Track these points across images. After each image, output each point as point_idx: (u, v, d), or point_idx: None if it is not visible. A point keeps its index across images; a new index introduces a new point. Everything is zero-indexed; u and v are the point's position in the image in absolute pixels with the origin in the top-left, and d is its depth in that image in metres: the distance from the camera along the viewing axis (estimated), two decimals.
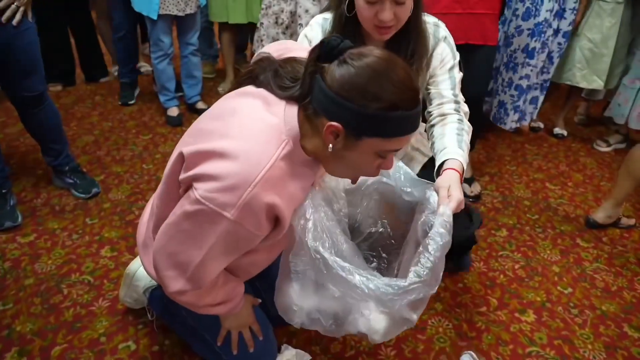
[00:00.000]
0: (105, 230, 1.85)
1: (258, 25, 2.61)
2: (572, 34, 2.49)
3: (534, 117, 2.70)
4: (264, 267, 1.15)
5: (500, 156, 2.62)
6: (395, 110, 0.81)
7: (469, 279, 1.72)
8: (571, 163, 2.60)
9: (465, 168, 1.14)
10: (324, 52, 0.83)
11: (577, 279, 1.76)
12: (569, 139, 2.86)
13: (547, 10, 2.26)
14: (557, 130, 2.89)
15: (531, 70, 2.39)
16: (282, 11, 2.49)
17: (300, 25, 2.46)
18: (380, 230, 1.23)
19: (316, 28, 1.29)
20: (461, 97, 1.29)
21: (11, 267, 1.65)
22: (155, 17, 2.40)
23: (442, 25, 1.29)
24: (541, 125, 2.95)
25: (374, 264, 1.23)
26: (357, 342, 1.44)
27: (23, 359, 1.33)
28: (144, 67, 3.39)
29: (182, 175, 0.88)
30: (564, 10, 2.36)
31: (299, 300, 1.03)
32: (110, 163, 2.32)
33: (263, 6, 2.56)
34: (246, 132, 0.85)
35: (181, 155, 0.88)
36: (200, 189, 0.83)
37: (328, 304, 1.02)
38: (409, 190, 1.13)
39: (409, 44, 1.21)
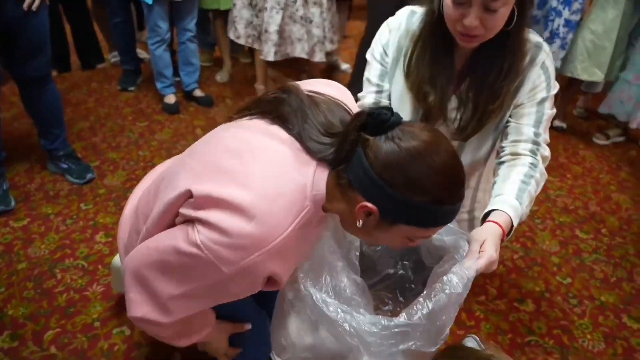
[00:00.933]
0: (100, 216, 1.83)
1: (231, 5, 2.57)
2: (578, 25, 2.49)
3: None
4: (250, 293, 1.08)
5: None
6: (439, 205, 0.74)
7: None
8: (570, 156, 2.59)
9: (515, 224, 0.98)
10: (371, 124, 0.74)
11: (577, 270, 1.75)
12: (568, 132, 2.85)
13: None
14: (556, 122, 2.87)
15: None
16: None
17: (265, 8, 2.41)
18: (401, 272, 1.15)
19: (400, 17, 1.15)
20: (544, 138, 1.09)
21: (4, 251, 1.62)
22: (150, 2, 2.36)
23: (545, 48, 1.08)
24: None
25: (388, 307, 1.14)
26: None
27: (15, 343, 1.31)
28: (140, 54, 3.35)
29: (186, 211, 0.78)
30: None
31: (294, 336, 0.95)
32: (106, 149, 2.28)
33: None
34: (270, 189, 0.75)
35: (189, 192, 0.78)
36: (203, 235, 0.74)
37: (324, 346, 0.92)
38: (439, 236, 0.99)
39: (503, 60, 1.03)
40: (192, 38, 2.65)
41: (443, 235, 0.98)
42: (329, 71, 3.30)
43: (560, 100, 2.92)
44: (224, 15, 2.91)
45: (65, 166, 2.02)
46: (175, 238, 0.77)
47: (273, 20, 2.42)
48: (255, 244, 0.73)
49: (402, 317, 0.81)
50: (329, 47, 2.64)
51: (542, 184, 1.08)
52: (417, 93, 1.11)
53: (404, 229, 0.78)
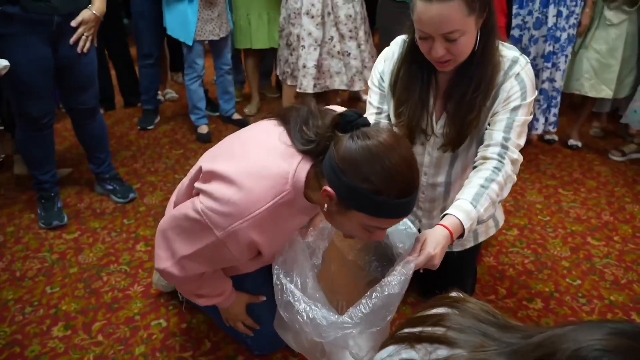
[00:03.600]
0: (141, 229, 2.03)
1: (264, 45, 2.88)
2: (576, 44, 2.62)
3: (552, 128, 2.79)
4: (260, 266, 1.28)
5: None
6: (380, 195, 0.88)
7: (479, 271, 1.78)
8: (585, 171, 2.65)
9: (468, 227, 1.07)
10: (341, 124, 0.92)
11: (587, 273, 1.81)
12: (583, 150, 2.91)
13: (553, 16, 2.44)
14: (571, 141, 2.95)
15: (550, 73, 2.54)
16: (291, 34, 2.70)
17: (303, 47, 2.64)
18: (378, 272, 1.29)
19: (393, 47, 1.30)
20: (514, 142, 1.17)
21: (58, 259, 1.84)
22: (190, 43, 2.65)
23: (522, 62, 1.18)
24: (556, 137, 3.02)
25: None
26: None
27: (68, 332, 1.49)
28: (170, 93, 3.64)
29: (197, 184, 1.05)
30: (570, 14, 2.50)
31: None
32: (146, 174, 2.53)
33: (279, 29, 2.81)
34: (257, 170, 0.97)
35: (201, 169, 1.05)
36: (202, 204, 0.99)
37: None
38: (400, 245, 1.13)
39: (473, 77, 1.15)
40: (229, 70, 2.95)
41: (406, 242, 1.11)
42: (351, 103, 3.52)
43: (575, 119, 3.01)
44: (254, 54, 3.20)
45: (110, 187, 2.26)
46: (187, 207, 1.02)
47: (311, 57, 2.66)
48: (239, 212, 0.95)
49: (347, 316, 0.97)
50: (367, 75, 2.86)
51: (508, 185, 1.16)
52: (395, 112, 1.27)
53: (357, 216, 0.92)
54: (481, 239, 1.46)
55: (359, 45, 2.74)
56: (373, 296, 0.97)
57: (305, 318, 0.99)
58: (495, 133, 1.17)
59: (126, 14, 3.40)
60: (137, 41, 2.95)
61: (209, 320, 1.51)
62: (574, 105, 3.09)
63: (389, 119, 1.34)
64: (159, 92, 3.26)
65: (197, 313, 1.55)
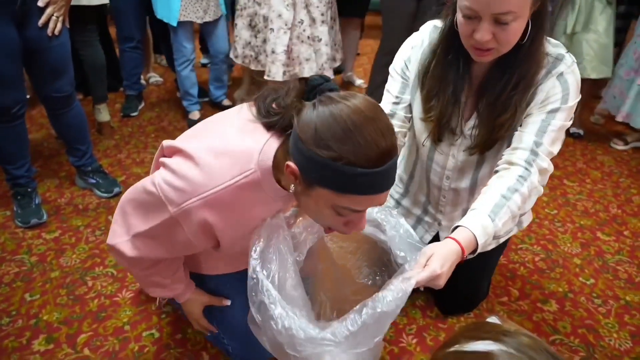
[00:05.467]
0: None
1: (234, 25, 2.64)
2: (575, 26, 2.57)
3: None
4: (227, 271, 1.18)
5: None
6: (346, 164, 0.74)
7: None
8: (588, 161, 2.59)
9: (482, 243, 0.94)
10: (306, 91, 0.82)
11: (600, 271, 1.74)
12: (585, 138, 2.84)
13: None
14: (573, 129, 2.88)
15: None
16: (256, 14, 2.51)
17: (272, 30, 2.45)
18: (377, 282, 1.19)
19: (423, 33, 1.17)
20: (545, 149, 1.03)
21: (37, 261, 1.69)
22: (175, 24, 2.47)
23: (568, 61, 1.05)
24: None
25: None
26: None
27: (50, 346, 1.36)
28: (153, 77, 3.45)
29: (161, 159, 0.95)
30: None
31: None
32: (131, 165, 2.37)
33: (238, 7, 2.58)
34: (219, 147, 0.87)
35: (162, 145, 0.98)
36: (160, 176, 0.89)
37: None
38: (402, 254, 1.02)
39: (514, 73, 1.02)
40: (224, 59, 2.77)
41: (407, 252, 0.99)
42: (344, 87, 3.38)
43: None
44: None
45: (93, 181, 2.10)
46: (146, 180, 0.93)
47: (280, 42, 2.46)
48: (194, 189, 0.85)
49: (329, 332, 0.84)
50: (336, 64, 2.71)
51: (532, 198, 1.03)
52: (424, 107, 1.14)
53: (322, 194, 0.79)
54: (502, 239, 1.36)
55: (329, 31, 2.56)
56: (363, 312, 0.85)
57: (279, 326, 0.86)
58: (526, 136, 1.03)
59: None
60: (117, 23, 2.74)
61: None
62: None
63: (409, 111, 1.21)
64: (142, 77, 3.06)
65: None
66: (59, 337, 1.39)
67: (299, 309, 0.91)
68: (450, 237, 0.93)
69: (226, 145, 0.87)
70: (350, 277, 1.21)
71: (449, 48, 1.06)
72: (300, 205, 0.91)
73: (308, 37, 2.52)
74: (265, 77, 2.60)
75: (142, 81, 3.17)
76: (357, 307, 0.86)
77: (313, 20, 2.50)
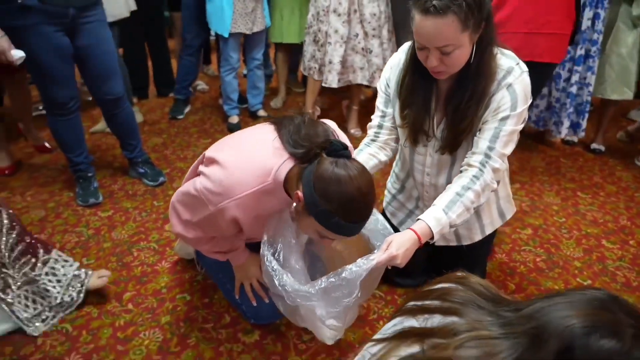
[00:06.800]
0: None
1: (296, 40, 2.96)
2: (602, 52, 2.64)
3: (580, 133, 2.81)
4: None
5: (533, 167, 2.72)
6: (334, 215, 1.07)
7: (490, 267, 1.84)
8: (606, 176, 2.65)
9: (437, 231, 1.18)
10: (328, 149, 1.11)
11: (598, 274, 1.84)
12: (606, 155, 2.89)
13: (588, 19, 2.48)
14: (594, 145, 2.94)
15: (581, 77, 2.61)
16: (319, 30, 2.79)
17: (329, 43, 2.73)
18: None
19: (400, 54, 1.37)
20: (497, 152, 1.22)
21: (93, 234, 1.98)
22: (227, 35, 2.77)
23: (517, 72, 1.21)
24: (575, 139, 3.01)
25: None
26: (380, 308, 1.62)
27: (102, 300, 1.62)
28: (200, 85, 3.78)
29: (200, 167, 1.27)
30: (599, 16, 2.51)
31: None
32: (175, 160, 2.66)
33: (306, 25, 2.90)
34: (249, 160, 1.19)
35: (204, 155, 1.29)
36: (200, 183, 1.20)
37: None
38: (378, 244, 1.29)
39: (469, 86, 1.21)
40: (260, 66, 3.06)
41: (382, 242, 1.23)
42: (369, 99, 3.58)
43: (599, 123, 2.99)
44: (285, 48, 3.30)
45: (142, 171, 2.39)
46: (189, 186, 1.28)
47: (337, 53, 2.76)
48: (227, 193, 1.16)
49: (308, 287, 1.16)
50: None
51: (486, 192, 1.24)
52: (401, 115, 1.36)
53: (314, 222, 1.12)
54: (488, 231, 1.51)
55: (381, 44, 2.81)
56: (331, 275, 1.15)
57: (278, 284, 1.17)
58: (481, 142, 1.24)
59: (169, 6, 3.52)
60: (183, 31, 3.08)
61: (228, 299, 1.62)
62: (597, 109, 3.08)
63: (392, 122, 1.43)
64: (191, 87, 3.39)
65: (218, 290, 1.66)
66: (108, 294, 1.65)
67: (297, 276, 1.21)
68: (409, 228, 1.19)
69: (253, 161, 1.18)
70: (345, 264, 1.43)
71: (416, 66, 1.27)
72: (295, 214, 1.21)
73: (362, 49, 2.79)
74: (323, 84, 2.88)
75: (190, 88, 3.50)
76: (330, 273, 1.15)
77: (366, 34, 2.77)
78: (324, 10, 2.73)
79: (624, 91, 2.66)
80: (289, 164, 1.16)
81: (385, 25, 2.81)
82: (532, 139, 2.97)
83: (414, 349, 0.76)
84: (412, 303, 0.85)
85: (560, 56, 1.99)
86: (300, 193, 1.11)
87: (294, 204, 1.15)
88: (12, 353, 1.42)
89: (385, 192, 1.69)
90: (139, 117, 3.03)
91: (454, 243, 1.52)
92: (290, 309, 1.29)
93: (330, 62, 2.79)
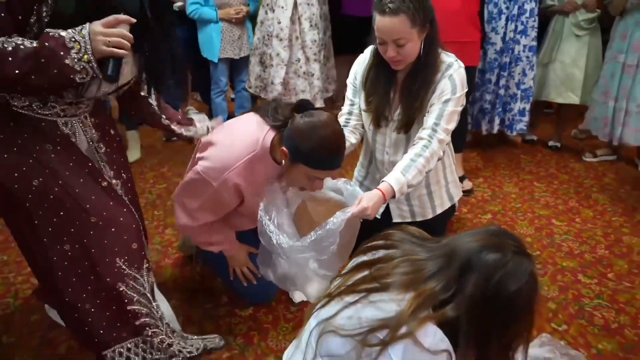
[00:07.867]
0: (169, 218, 2.41)
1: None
2: (544, 56, 2.96)
3: (525, 129, 3.01)
4: (252, 226, 1.64)
5: (496, 164, 3.01)
6: (316, 151, 1.31)
7: None
8: (560, 168, 2.95)
9: (398, 189, 1.41)
10: (297, 108, 1.38)
11: (546, 246, 2.10)
12: (562, 150, 3.19)
13: (510, 31, 2.74)
14: (551, 142, 3.25)
15: (506, 81, 2.85)
16: (264, 53, 3.11)
17: (272, 65, 3.04)
18: None
19: (366, 53, 1.68)
20: (442, 127, 1.50)
21: None
22: (216, 60, 3.09)
23: (455, 66, 1.53)
24: (534, 137, 3.33)
25: None
26: None
27: None
28: (191, 110, 4.07)
29: (197, 155, 1.48)
30: (525, 28, 2.77)
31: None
32: (172, 176, 2.92)
33: (252, 47, 3.20)
34: (238, 135, 1.43)
35: (200, 141, 1.53)
36: (201, 166, 1.40)
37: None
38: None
39: (419, 76, 1.53)
40: (246, 88, 3.37)
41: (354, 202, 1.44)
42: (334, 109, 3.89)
43: (555, 123, 3.30)
44: None
45: None
46: (189, 175, 1.45)
47: (278, 75, 3.06)
48: (224, 166, 1.38)
49: (300, 241, 1.38)
50: (328, 94, 3.32)
51: (434, 158, 1.50)
52: (366, 102, 1.66)
53: (302, 168, 1.35)
54: (439, 210, 1.80)
55: (321, 67, 3.14)
56: (318, 229, 1.37)
57: (275, 243, 1.40)
58: (429, 119, 1.53)
59: None
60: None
61: (226, 284, 1.87)
62: (555, 111, 3.41)
63: (359, 109, 1.72)
64: (180, 110, 3.68)
65: (215, 277, 1.90)
66: None
67: (290, 236, 1.45)
68: (378, 189, 1.43)
69: (241, 135, 1.43)
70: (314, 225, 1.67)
71: (379, 63, 1.60)
72: (286, 174, 1.45)
73: (304, 73, 3.11)
74: None
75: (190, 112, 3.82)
76: (316, 228, 1.38)
77: (307, 59, 3.09)
78: (268, 35, 3.04)
79: (569, 95, 2.96)
80: (272, 133, 1.40)
81: (323, 51, 3.14)
82: (497, 139, 3.26)
83: (364, 273, 1.03)
84: (364, 245, 1.12)
85: (474, 60, 2.38)
86: (284, 148, 1.34)
87: (282, 162, 1.39)
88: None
89: (353, 180, 1.98)
90: (136, 154, 3.20)
91: (409, 219, 1.79)
92: (281, 276, 1.53)
93: (272, 83, 3.10)
